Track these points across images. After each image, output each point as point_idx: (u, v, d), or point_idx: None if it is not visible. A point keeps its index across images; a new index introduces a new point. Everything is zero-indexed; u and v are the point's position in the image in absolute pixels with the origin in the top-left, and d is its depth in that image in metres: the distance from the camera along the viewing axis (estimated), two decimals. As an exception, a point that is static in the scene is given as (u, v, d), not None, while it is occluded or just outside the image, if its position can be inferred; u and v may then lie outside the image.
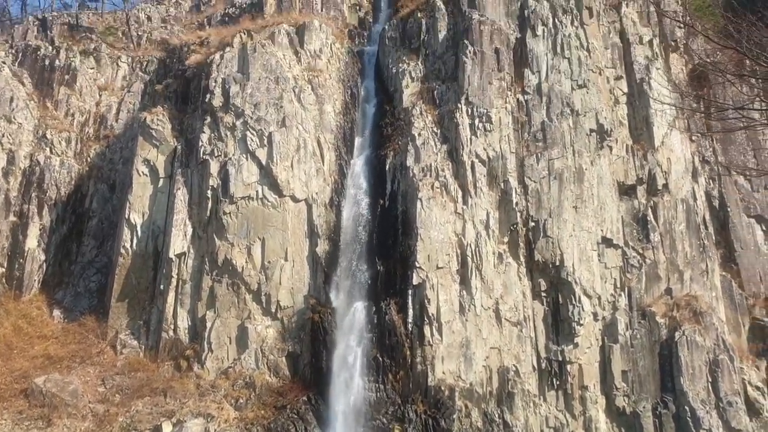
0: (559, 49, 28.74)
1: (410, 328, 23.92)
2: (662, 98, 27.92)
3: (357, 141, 29.82)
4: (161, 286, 26.94)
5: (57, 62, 35.62)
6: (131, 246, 28.13)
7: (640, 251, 27.29)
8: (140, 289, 27.80)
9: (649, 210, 28.10)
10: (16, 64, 35.53)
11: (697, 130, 30.16)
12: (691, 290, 27.28)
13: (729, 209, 29.96)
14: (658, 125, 29.09)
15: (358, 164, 28.90)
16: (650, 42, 30.99)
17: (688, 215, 28.54)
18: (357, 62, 32.19)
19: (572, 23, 29.46)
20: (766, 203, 30.84)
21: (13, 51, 36.28)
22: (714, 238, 29.06)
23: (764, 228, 30.43)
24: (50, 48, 36.51)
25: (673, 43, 31.89)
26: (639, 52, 30.49)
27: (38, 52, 36.16)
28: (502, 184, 26.56)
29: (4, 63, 34.41)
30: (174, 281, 26.64)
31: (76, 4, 44.22)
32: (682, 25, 31.13)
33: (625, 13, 31.29)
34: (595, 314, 25.71)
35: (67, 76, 35.39)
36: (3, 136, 31.94)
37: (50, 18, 39.49)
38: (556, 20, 29.34)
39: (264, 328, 25.55)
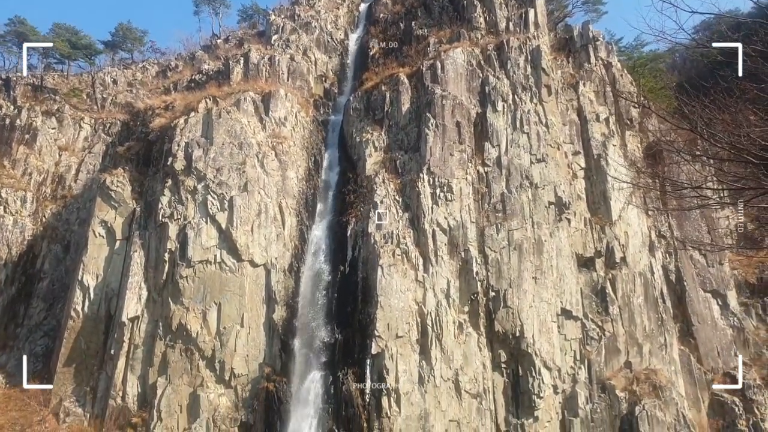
0: (518, 124, 29.51)
1: (368, 399, 23.22)
2: (619, 174, 28.76)
3: (319, 207, 29.88)
4: (112, 351, 25.95)
5: (18, 122, 35.42)
6: (83, 308, 27.17)
7: (600, 323, 27.40)
8: (89, 353, 26.68)
9: (608, 282, 28.40)
10: (-25, 122, 35.17)
11: (653, 206, 30.87)
12: (651, 364, 27.41)
13: (686, 283, 30.48)
14: (616, 200, 29.78)
15: (319, 230, 28.83)
16: (606, 120, 32.09)
17: (646, 289, 28.92)
18: (321, 131, 32.73)
19: (531, 100, 30.43)
20: (721, 278, 31.52)
21: (-27, 110, 35.95)
22: (672, 311, 29.38)
23: (720, 303, 31.02)
24: (12, 107, 36.36)
25: (628, 122, 33.02)
26: (596, 129, 31.53)
27: (-1, 111, 35.91)
28: (462, 253, 26.58)
29: (-38, 121, 34.09)
30: (125, 346, 25.68)
31: (42, 65, 44.05)
32: (637, 105, 32.34)
33: (582, 92, 32.51)
34: (555, 387, 25.42)
35: (27, 136, 35.15)
36: (-45, 194, 31.31)
37: (14, 78, 39.39)
38: (516, 97, 30.29)
39: (216, 397, 24.59)
